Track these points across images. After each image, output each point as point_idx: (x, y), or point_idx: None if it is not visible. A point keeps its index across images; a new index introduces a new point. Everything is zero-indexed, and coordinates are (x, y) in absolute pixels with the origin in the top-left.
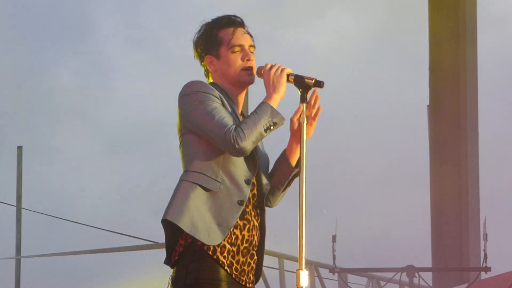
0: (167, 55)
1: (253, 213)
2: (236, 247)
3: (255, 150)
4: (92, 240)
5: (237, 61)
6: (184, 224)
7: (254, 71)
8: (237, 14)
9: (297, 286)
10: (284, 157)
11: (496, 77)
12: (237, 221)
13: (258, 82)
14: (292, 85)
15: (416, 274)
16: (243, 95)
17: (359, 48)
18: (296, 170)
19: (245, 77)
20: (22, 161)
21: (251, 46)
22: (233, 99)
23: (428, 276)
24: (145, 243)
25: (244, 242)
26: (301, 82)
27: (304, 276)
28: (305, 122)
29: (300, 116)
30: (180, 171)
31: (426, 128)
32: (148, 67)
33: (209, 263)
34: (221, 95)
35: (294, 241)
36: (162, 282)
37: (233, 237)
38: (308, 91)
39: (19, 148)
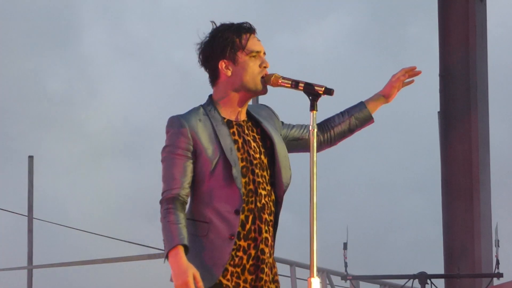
0: (153, 62)
1: (263, 227)
2: (241, 267)
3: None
4: (103, 249)
5: (255, 67)
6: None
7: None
8: (223, 19)
9: None
10: (363, 106)
11: (507, 82)
12: (239, 244)
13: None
14: (301, 93)
15: (428, 281)
16: (246, 104)
17: (365, 53)
18: (370, 121)
19: (262, 88)
20: (33, 170)
21: (264, 53)
22: (230, 111)
23: (440, 283)
24: (157, 252)
25: (251, 260)
26: (310, 90)
27: (316, 284)
28: (315, 130)
29: (401, 76)
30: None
31: (436, 134)
32: (134, 74)
33: None
34: (203, 118)
35: (306, 248)
36: None
37: (236, 259)
38: (317, 99)
39: (30, 157)
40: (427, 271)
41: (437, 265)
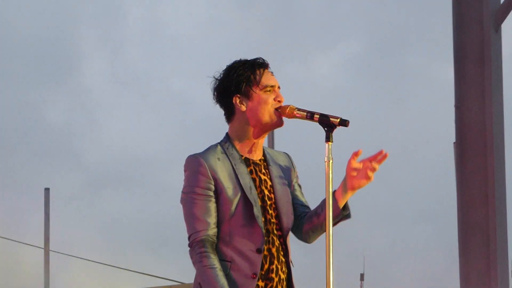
0: (152, 92)
1: (279, 267)
2: None
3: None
4: (120, 281)
5: (270, 100)
6: None
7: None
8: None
9: None
10: (332, 199)
11: None
12: (257, 284)
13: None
14: (316, 124)
15: None
16: (262, 140)
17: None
18: (344, 214)
19: (277, 120)
20: (49, 203)
21: (278, 87)
22: (247, 147)
23: None
24: (172, 283)
25: None
26: (326, 121)
27: None
28: (331, 161)
29: (359, 160)
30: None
31: (452, 165)
32: (133, 104)
33: None
34: (222, 157)
35: (322, 279)
36: None
37: None
38: (333, 130)
39: (46, 190)
40: None
41: None
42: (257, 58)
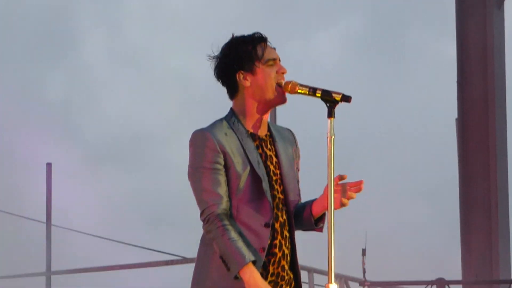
0: (151, 69)
1: (283, 242)
2: None
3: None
4: (122, 255)
5: (273, 74)
6: None
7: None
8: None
9: None
10: (309, 208)
11: None
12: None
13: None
14: (318, 100)
15: (446, 287)
16: (267, 115)
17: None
18: (315, 226)
19: (280, 96)
20: (51, 178)
21: (279, 59)
22: (253, 123)
23: None
24: (173, 258)
25: (269, 276)
26: (328, 97)
27: None
28: (333, 137)
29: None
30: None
31: (454, 141)
32: (132, 81)
33: None
34: (229, 132)
35: (324, 254)
36: None
37: None
38: (335, 106)
39: (48, 164)
40: (445, 277)
41: (455, 271)
42: (255, 33)
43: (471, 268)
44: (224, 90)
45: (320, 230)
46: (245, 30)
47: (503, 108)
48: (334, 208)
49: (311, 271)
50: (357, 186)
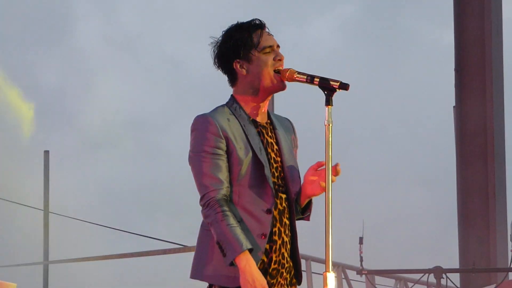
0: (145, 55)
1: (282, 230)
2: (263, 271)
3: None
4: (120, 244)
5: (270, 61)
6: (207, 277)
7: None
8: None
9: None
10: (297, 197)
11: None
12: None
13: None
14: (316, 87)
15: (444, 275)
16: (267, 102)
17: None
18: (301, 214)
19: (279, 83)
20: (49, 165)
21: (278, 46)
22: (253, 110)
23: (455, 277)
24: (173, 246)
25: (272, 264)
26: (326, 85)
27: (331, 278)
28: (330, 125)
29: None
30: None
31: (452, 129)
32: (127, 67)
33: None
34: (231, 118)
35: (321, 243)
36: (190, 285)
37: (259, 263)
38: (333, 94)
39: (46, 152)
40: (442, 265)
41: (452, 260)
42: (253, 20)
43: (468, 256)
44: (219, 76)
45: (307, 219)
46: (240, 16)
47: (501, 95)
48: (315, 194)
49: (308, 259)
50: (334, 170)
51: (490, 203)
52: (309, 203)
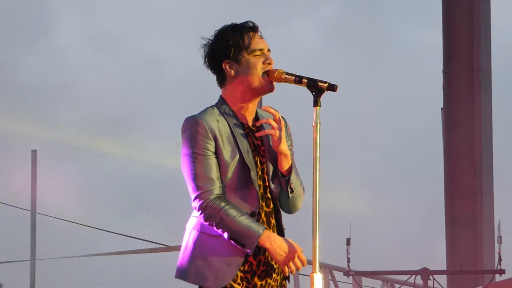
0: (125, 54)
1: (270, 231)
2: (251, 273)
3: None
4: (105, 243)
5: (259, 64)
6: (191, 278)
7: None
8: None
9: None
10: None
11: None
12: None
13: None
14: (304, 88)
15: (431, 277)
16: (255, 103)
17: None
18: (286, 177)
19: (267, 85)
20: (36, 164)
21: (268, 50)
22: (242, 111)
23: (442, 279)
24: (157, 246)
25: (261, 265)
26: (314, 86)
27: (318, 279)
28: (318, 126)
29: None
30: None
31: (440, 131)
32: (106, 65)
33: None
34: (220, 119)
35: (308, 244)
36: (174, 285)
37: (246, 265)
38: (321, 95)
39: (33, 151)
40: (429, 267)
41: (439, 261)
42: (246, 22)
43: (455, 258)
44: (199, 75)
45: (291, 192)
46: (222, 15)
47: (489, 97)
48: (278, 149)
49: None
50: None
51: (477, 205)
52: (288, 177)
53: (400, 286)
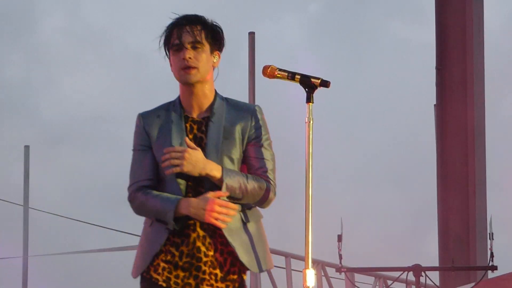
0: (109, 49)
1: (198, 224)
2: (173, 264)
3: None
4: (99, 239)
5: (177, 60)
6: (134, 273)
7: (195, 70)
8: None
9: (304, 285)
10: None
11: (504, 75)
12: (173, 240)
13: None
14: (297, 84)
15: (423, 273)
16: (197, 97)
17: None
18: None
19: (184, 77)
20: (29, 160)
21: (195, 42)
22: (188, 103)
23: (435, 275)
24: None
25: (184, 257)
26: (307, 82)
27: (311, 275)
28: (311, 122)
29: None
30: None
31: (432, 127)
32: (89, 61)
33: (146, 284)
34: (163, 114)
35: (301, 240)
36: None
37: (169, 255)
38: (314, 91)
39: (26, 147)
40: (421, 263)
41: (432, 258)
42: (177, 17)
43: (448, 254)
44: None
45: (236, 199)
46: (208, 10)
47: (482, 93)
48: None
49: (288, 256)
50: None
51: (470, 201)
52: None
53: (392, 283)
